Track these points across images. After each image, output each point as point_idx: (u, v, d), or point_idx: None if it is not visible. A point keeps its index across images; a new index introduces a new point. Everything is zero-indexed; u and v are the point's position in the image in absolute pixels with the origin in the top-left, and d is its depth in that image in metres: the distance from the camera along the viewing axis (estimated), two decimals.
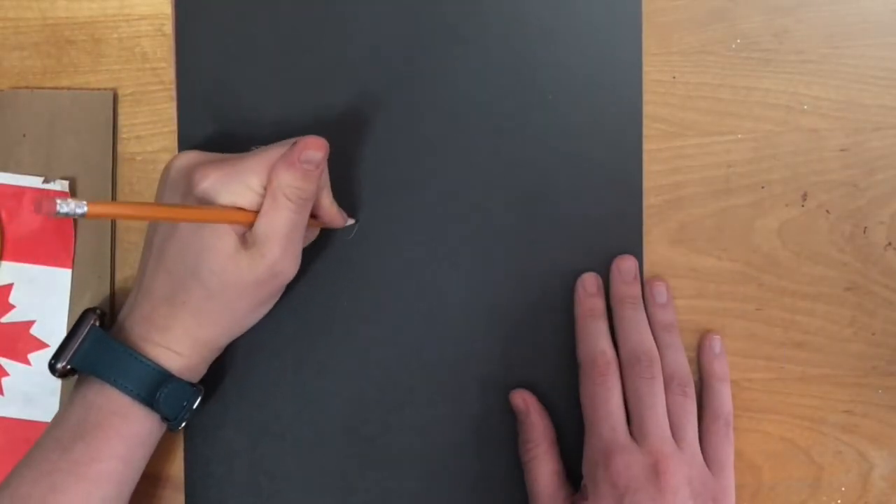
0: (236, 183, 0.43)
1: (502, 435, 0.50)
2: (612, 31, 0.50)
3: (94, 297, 0.50)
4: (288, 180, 0.43)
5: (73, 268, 0.50)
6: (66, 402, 0.45)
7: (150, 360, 0.44)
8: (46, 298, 0.50)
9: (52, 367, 0.45)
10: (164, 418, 0.45)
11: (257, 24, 0.50)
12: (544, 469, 0.48)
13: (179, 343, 0.44)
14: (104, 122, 0.50)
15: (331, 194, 0.47)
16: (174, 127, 0.50)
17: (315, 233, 0.49)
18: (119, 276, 0.51)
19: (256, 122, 0.50)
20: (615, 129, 0.50)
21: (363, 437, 0.50)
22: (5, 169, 0.50)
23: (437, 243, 0.50)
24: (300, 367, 0.50)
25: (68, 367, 0.45)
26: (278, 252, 0.43)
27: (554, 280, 0.50)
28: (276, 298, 0.47)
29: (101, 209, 0.38)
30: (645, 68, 0.51)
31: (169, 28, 0.51)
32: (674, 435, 0.46)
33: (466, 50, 0.50)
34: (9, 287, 0.50)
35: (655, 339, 0.49)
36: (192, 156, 0.45)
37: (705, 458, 0.47)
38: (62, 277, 0.50)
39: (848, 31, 0.51)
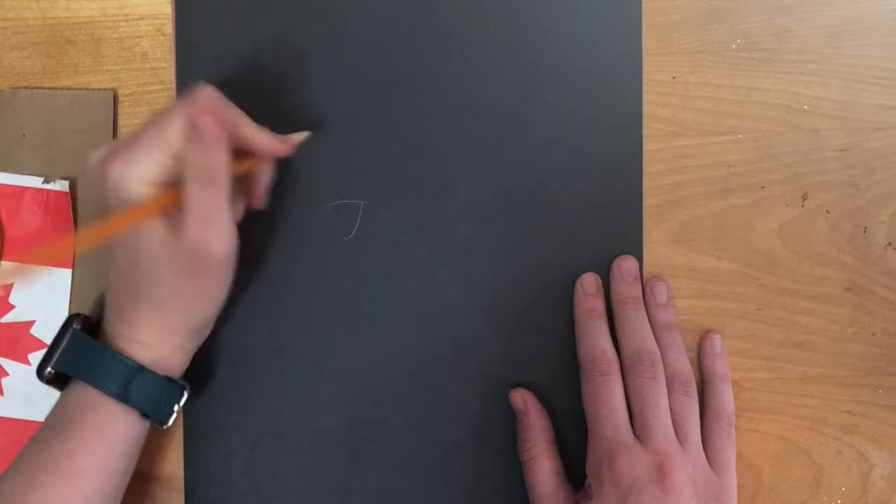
0: (138, 162, 0.42)
1: (502, 435, 0.50)
2: (613, 31, 0.50)
3: (94, 297, 0.50)
4: (191, 158, 0.42)
5: (72, 268, 0.50)
6: (55, 404, 0.45)
7: (121, 354, 0.44)
8: (46, 298, 0.50)
9: (39, 374, 0.45)
10: (144, 414, 0.45)
11: (257, 24, 0.50)
12: (543, 468, 0.48)
13: (146, 333, 0.44)
14: (104, 122, 0.50)
15: (252, 124, 0.45)
16: None
17: (268, 174, 0.47)
18: None
19: (256, 122, 0.50)
20: (615, 129, 0.50)
21: (363, 436, 0.50)
22: (5, 169, 0.50)
23: (436, 243, 0.50)
24: (300, 367, 0.50)
25: (52, 371, 0.45)
26: (198, 231, 0.42)
27: (554, 280, 0.50)
28: (223, 278, 0.45)
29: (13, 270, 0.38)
30: (645, 68, 0.51)
31: (169, 28, 0.51)
32: (677, 435, 0.46)
33: (466, 50, 0.50)
34: (9, 287, 0.50)
35: (656, 339, 0.49)
36: (98, 152, 0.44)
37: (708, 458, 0.47)
38: (62, 277, 0.50)
39: (848, 31, 0.51)
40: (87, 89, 0.51)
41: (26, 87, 0.51)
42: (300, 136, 0.48)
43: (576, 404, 0.49)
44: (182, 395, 0.46)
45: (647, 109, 0.51)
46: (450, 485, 0.50)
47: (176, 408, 0.46)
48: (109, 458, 0.44)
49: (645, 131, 0.51)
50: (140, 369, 0.44)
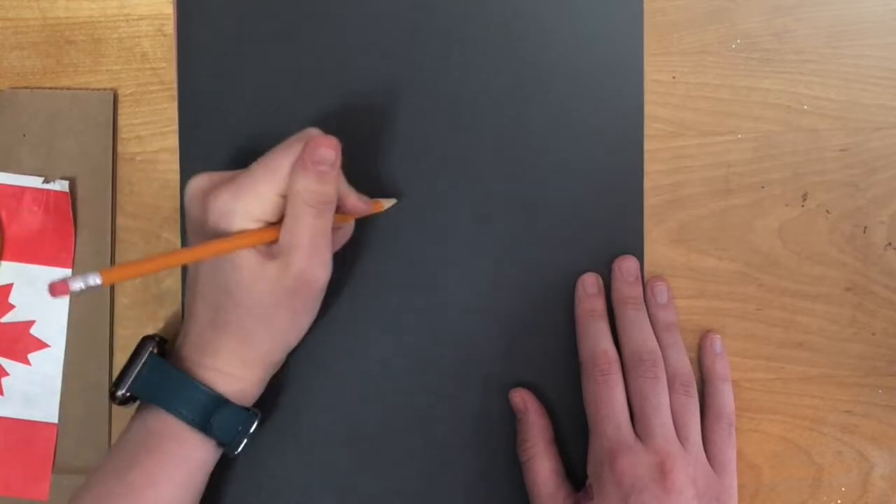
0: (247, 196, 0.43)
1: (503, 434, 0.50)
2: (613, 31, 0.50)
3: (94, 297, 0.50)
4: (304, 184, 0.42)
5: (72, 268, 0.50)
6: (126, 428, 0.45)
7: (204, 384, 0.44)
8: (47, 298, 0.50)
9: (112, 395, 0.45)
10: (220, 443, 0.45)
11: (257, 24, 0.50)
12: (543, 468, 0.48)
13: (229, 364, 0.45)
14: (104, 122, 0.50)
15: (348, 185, 0.46)
16: (174, 127, 0.50)
17: (350, 229, 0.48)
18: None
19: (256, 122, 0.50)
20: (616, 129, 0.50)
21: (364, 436, 0.50)
22: (5, 169, 0.50)
23: (437, 243, 0.50)
24: (301, 367, 0.50)
25: (128, 394, 0.45)
26: (304, 260, 0.43)
27: (554, 280, 0.50)
28: (316, 306, 0.46)
29: (114, 275, 0.38)
30: (645, 68, 0.51)
31: (169, 28, 0.51)
32: (678, 435, 0.46)
33: (467, 50, 0.50)
34: (9, 287, 0.50)
35: (657, 339, 0.49)
36: (200, 180, 0.44)
37: (708, 458, 0.47)
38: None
39: (848, 31, 0.51)
40: (87, 89, 0.51)
41: (26, 87, 0.51)
42: (388, 203, 0.49)
43: (576, 404, 0.49)
44: (254, 422, 0.46)
45: (647, 109, 0.51)
46: (450, 485, 0.50)
47: (247, 435, 0.46)
48: (188, 487, 0.44)
49: (645, 131, 0.51)
50: (223, 401, 0.44)
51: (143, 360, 0.45)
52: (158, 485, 0.43)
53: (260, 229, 0.43)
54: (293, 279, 0.43)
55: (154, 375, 0.45)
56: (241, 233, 0.42)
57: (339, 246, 0.48)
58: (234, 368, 0.45)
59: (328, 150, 0.43)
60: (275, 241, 0.43)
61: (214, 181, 0.44)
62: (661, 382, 0.47)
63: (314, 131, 0.44)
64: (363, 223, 0.50)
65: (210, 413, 0.44)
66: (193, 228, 0.45)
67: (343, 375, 0.50)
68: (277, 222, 0.43)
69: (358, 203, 0.46)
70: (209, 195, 0.43)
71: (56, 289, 0.36)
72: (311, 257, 0.43)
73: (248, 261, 0.42)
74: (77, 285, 0.36)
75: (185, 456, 0.44)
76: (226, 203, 0.43)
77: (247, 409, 0.45)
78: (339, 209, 0.46)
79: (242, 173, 0.44)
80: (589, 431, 0.47)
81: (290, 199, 0.43)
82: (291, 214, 0.43)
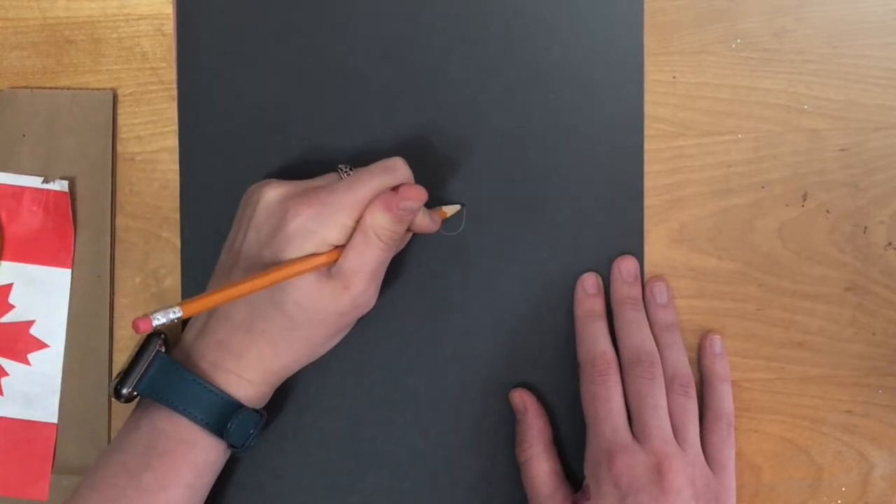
0: (329, 221, 0.43)
1: (503, 435, 0.50)
2: (614, 31, 0.50)
3: (94, 297, 0.50)
4: (383, 222, 0.44)
5: (72, 268, 0.50)
6: (131, 425, 0.45)
7: (220, 389, 0.44)
8: (46, 298, 0.50)
9: (117, 393, 0.44)
10: (231, 445, 0.45)
11: (257, 24, 0.50)
12: (541, 469, 0.48)
13: (252, 370, 0.45)
14: (104, 122, 0.50)
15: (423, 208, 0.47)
16: (174, 127, 0.50)
17: (407, 239, 0.49)
18: (118, 276, 0.51)
19: (256, 122, 0.50)
20: (616, 129, 0.50)
21: (365, 436, 0.50)
22: (5, 169, 0.50)
23: (437, 243, 0.50)
24: (302, 367, 0.50)
25: (134, 393, 0.45)
26: (363, 286, 0.44)
27: (554, 280, 0.50)
28: (351, 327, 0.47)
29: (195, 307, 0.40)
30: (645, 68, 0.50)
31: (169, 28, 0.51)
32: (675, 435, 0.46)
33: (467, 50, 0.50)
34: (9, 287, 0.50)
35: (656, 339, 0.49)
36: (279, 190, 0.45)
37: (706, 459, 0.47)
38: (62, 277, 0.50)
39: (848, 31, 0.51)
40: (86, 89, 0.51)
41: (26, 87, 0.50)
42: (452, 210, 0.50)
43: (576, 405, 0.49)
44: (262, 423, 0.46)
45: (648, 109, 0.51)
46: (451, 484, 0.50)
47: (257, 437, 0.46)
48: (198, 489, 0.44)
49: (645, 131, 0.50)
50: (239, 406, 0.44)
51: (149, 359, 0.45)
52: (170, 487, 0.43)
53: (327, 253, 0.44)
54: (349, 303, 0.44)
55: (163, 375, 0.44)
56: (310, 257, 0.43)
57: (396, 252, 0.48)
58: (256, 375, 0.45)
59: (416, 202, 0.44)
60: (334, 262, 0.44)
61: (291, 192, 0.44)
62: (658, 383, 0.47)
63: (402, 166, 0.45)
64: None
65: (225, 417, 0.44)
66: (262, 229, 0.44)
67: (345, 375, 0.50)
68: (341, 245, 0.44)
69: (429, 225, 0.47)
70: (290, 208, 0.43)
71: (140, 326, 0.38)
72: (369, 286, 0.44)
73: (306, 282, 0.43)
74: (159, 320, 0.39)
75: (197, 459, 0.44)
76: (305, 224, 0.43)
77: (257, 411, 0.46)
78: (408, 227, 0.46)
79: (323, 192, 0.44)
80: (587, 432, 0.47)
81: (363, 228, 0.44)
82: (361, 242, 0.44)
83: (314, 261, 0.43)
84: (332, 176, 0.46)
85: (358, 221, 0.44)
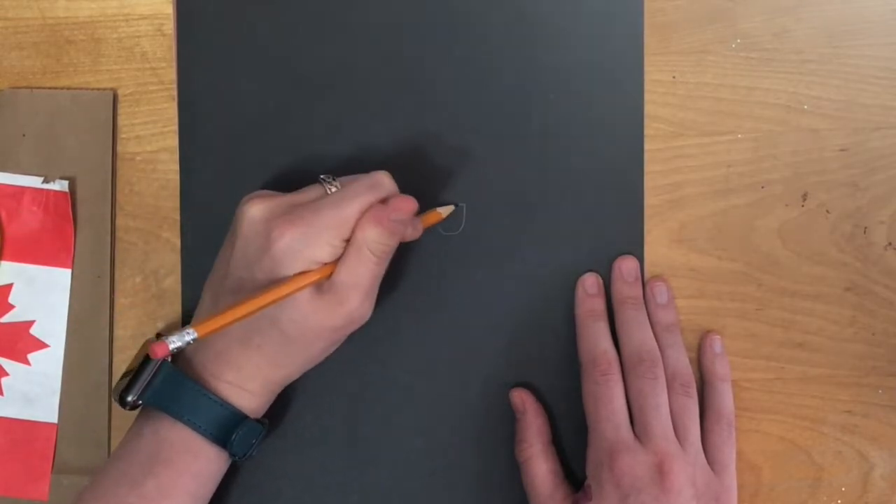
0: (315, 241, 0.43)
1: (503, 435, 0.50)
2: (614, 31, 0.50)
3: (94, 297, 0.50)
4: (376, 237, 0.43)
5: (72, 268, 0.50)
6: (134, 433, 0.45)
7: (223, 399, 0.44)
8: (46, 298, 0.50)
9: (122, 401, 0.45)
10: (233, 454, 0.45)
11: (257, 24, 0.50)
12: (540, 469, 0.48)
13: (251, 382, 0.45)
14: (104, 122, 0.50)
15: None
16: (174, 127, 0.50)
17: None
18: (118, 276, 0.51)
19: (256, 122, 0.50)
20: (616, 129, 0.50)
21: (364, 436, 0.50)
22: (5, 169, 0.50)
23: (437, 243, 0.50)
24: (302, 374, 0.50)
25: (139, 402, 0.45)
26: (357, 302, 0.44)
27: (555, 280, 0.50)
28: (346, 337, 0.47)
29: (207, 327, 0.41)
30: (645, 68, 0.50)
31: (169, 28, 0.51)
32: (676, 435, 0.46)
33: (467, 50, 0.50)
34: (9, 287, 0.50)
35: (656, 339, 0.49)
36: (261, 207, 0.44)
37: (707, 459, 0.47)
38: (62, 277, 0.50)
39: (848, 31, 0.51)
40: (86, 89, 0.51)
41: (26, 87, 0.50)
42: (446, 210, 0.49)
43: (576, 405, 0.49)
44: (264, 432, 0.46)
45: (647, 109, 0.51)
46: (450, 484, 0.50)
47: (259, 446, 0.46)
48: (201, 498, 0.45)
49: (645, 131, 0.50)
50: (243, 417, 0.44)
51: (154, 368, 0.45)
52: (173, 496, 0.43)
53: (319, 269, 0.43)
54: (344, 319, 0.44)
55: (168, 385, 0.44)
56: (303, 274, 0.43)
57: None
58: (256, 386, 0.45)
59: (407, 213, 0.44)
60: (328, 278, 0.44)
61: (275, 210, 0.44)
62: (659, 383, 0.47)
63: (386, 180, 0.45)
64: None
65: (229, 428, 0.44)
66: (248, 248, 0.44)
67: (345, 375, 0.50)
68: (333, 261, 0.44)
69: (412, 233, 0.46)
70: (274, 228, 0.43)
71: (157, 352, 0.39)
72: (364, 301, 0.44)
73: (302, 296, 0.43)
74: (175, 343, 0.40)
75: (200, 469, 0.44)
76: (290, 244, 0.43)
77: (260, 422, 0.46)
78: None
79: (307, 211, 0.43)
80: (588, 432, 0.47)
81: (355, 244, 0.43)
82: (354, 258, 0.43)
83: (311, 277, 0.43)
84: (315, 188, 0.45)
85: (345, 240, 0.44)
